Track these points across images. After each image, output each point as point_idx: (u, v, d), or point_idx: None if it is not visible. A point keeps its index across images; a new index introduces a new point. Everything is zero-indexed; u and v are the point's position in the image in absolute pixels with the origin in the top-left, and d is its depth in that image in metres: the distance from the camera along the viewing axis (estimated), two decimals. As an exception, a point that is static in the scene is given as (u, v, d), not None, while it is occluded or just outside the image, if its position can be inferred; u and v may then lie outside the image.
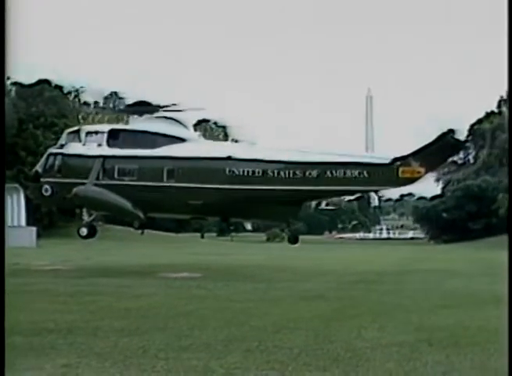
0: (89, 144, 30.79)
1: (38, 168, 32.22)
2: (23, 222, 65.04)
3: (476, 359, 10.87)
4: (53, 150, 32.41)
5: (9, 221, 63.51)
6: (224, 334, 12.97)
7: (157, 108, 31.52)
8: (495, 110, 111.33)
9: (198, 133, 32.13)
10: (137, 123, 31.21)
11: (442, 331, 13.52)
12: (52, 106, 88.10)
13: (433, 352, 11.46)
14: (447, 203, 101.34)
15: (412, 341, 12.35)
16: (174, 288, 22.45)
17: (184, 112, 31.43)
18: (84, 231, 31.01)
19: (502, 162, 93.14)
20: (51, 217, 76.26)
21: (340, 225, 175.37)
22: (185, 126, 31.13)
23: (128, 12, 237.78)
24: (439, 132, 26.27)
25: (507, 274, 20.22)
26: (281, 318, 15.32)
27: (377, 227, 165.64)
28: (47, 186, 31.34)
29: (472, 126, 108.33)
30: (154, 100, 32.15)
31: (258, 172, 27.81)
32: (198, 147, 30.10)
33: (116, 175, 29.98)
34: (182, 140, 30.26)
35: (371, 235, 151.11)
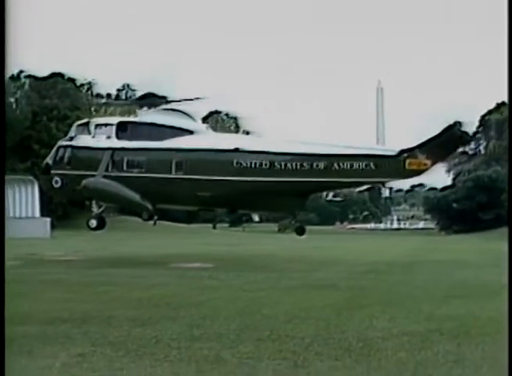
0: (98, 136, 30.99)
1: (49, 160, 32.44)
2: (38, 213, 65.49)
3: (487, 348, 10.90)
4: (63, 142, 32.64)
5: (23, 212, 64.09)
6: (236, 323, 13.05)
7: (165, 100, 31.67)
8: (506, 101, 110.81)
9: (206, 125, 32.28)
10: (145, 115, 31.40)
11: (453, 321, 13.55)
12: (65, 98, 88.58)
13: (444, 341, 11.50)
14: (458, 193, 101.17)
15: (423, 331, 12.39)
16: (186, 278, 22.57)
17: (194, 104, 31.56)
18: (93, 223, 31.23)
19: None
20: (65, 208, 76.67)
21: (351, 216, 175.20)
22: (192, 118, 31.29)
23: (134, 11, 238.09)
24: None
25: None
26: (292, 307, 15.41)
27: (388, 218, 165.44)
28: (57, 178, 31.57)
29: (483, 117, 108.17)
30: (163, 93, 32.27)
31: (266, 164, 27.91)
32: (206, 139, 30.25)
33: (125, 167, 30.17)
34: (190, 132, 30.42)
35: (382, 225, 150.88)
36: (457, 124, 26.14)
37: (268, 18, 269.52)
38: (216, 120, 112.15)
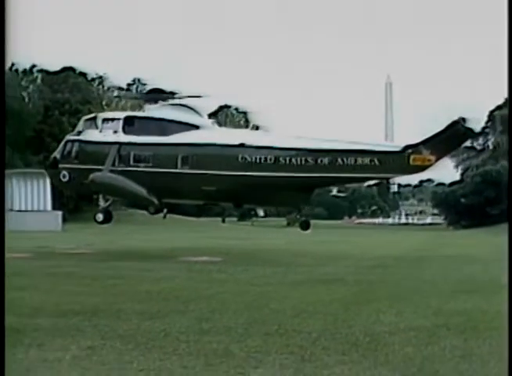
0: (105, 131, 31.24)
1: (57, 154, 32.73)
2: (49, 206, 65.82)
3: (494, 343, 10.94)
4: (71, 136, 32.86)
5: (35, 205, 64.39)
6: (244, 317, 13.14)
7: (172, 95, 31.82)
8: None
9: (212, 120, 32.38)
10: (152, 110, 31.54)
11: (460, 316, 13.60)
12: (76, 92, 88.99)
13: (451, 336, 11.56)
14: (466, 188, 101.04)
15: (430, 326, 12.45)
16: (194, 272, 22.67)
17: (204, 99, 31.69)
18: (100, 217, 31.52)
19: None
20: (76, 202, 76.96)
21: (359, 211, 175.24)
22: (199, 113, 31.40)
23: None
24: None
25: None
26: (300, 301, 15.50)
27: (396, 212, 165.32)
28: (65, 172, 31.82)
29: (491, 112, 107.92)
30: (171, 88, 32.44)
31: (270, 159, 28.05)
32: (211, 134, 30.40)
33: (131, 162, 30.38)
34: (196, 127, 30.56)
35: (390, 220, 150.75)
36: (461, 120, 26.21)
37: (277, 14, 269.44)
38: (226, 114, 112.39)
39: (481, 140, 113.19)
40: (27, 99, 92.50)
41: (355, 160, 27.09)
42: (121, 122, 31.14)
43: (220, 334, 11.47)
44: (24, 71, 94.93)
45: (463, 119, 26.22)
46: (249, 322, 12.61)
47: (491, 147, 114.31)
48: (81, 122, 33.06)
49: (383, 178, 29.95)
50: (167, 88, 32.26)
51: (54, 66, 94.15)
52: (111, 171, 30.33)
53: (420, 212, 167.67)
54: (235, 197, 30.48)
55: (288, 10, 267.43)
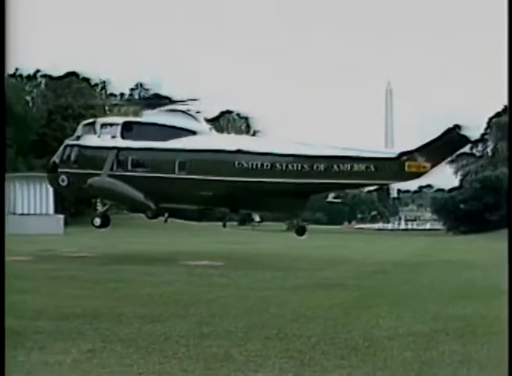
0: (104, 136, 31.40)
1: (56, 158, 32.92)
2: (52, 210, 65.91)
3: (492, 348, 10.98)
4: (70, 141, 33.04)
5: (37, 209, 64.48)
6: (244, 321, 13.19)
7: (170, 101, 32.03)
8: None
9: (209, 126, 32.57)
10: (150, 116, 31.72)
11: (459, 321, 13.64)
12: (79, 97, 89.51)
13: (449, 341, 11.61)
14: (465, 194, 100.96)
15: (429, 331, 12.50)
16: (195, 276, 22.74)
17: (205, 104, 31.87)
18: (97, 221, 31.73)
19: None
20: (78, 206, 77.01)
21: (359, 216, 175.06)
22: (196, 119, 31.55)
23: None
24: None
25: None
26: (300, 306, 15.54)
27: (396, 218, 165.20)
28: (63, 177, 32.03)
29: (490, 119, 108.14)
30: (171, 89, 32.70)
31: (267, 165, 28.17)
32: (209, 140, 30.56)
33: (129, 167, 30.53)
34: (193, 133, 30.71)
35: (390, 226, 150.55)
36: (456, 127, 26.34)
37: (275, 17, 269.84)
38: (228, 119, 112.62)
39: (480, 147, 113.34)
40: (30, 104, 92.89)
41: (351, 167, 27.21)
42: (120, 127, 31.35)
43: (220, 338, 11.53)
44: (28, 76, 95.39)
45: (458, 126, 26.35)
46: (249, 326, 12.66)
47: (489, 154, 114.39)
48: (80, 127, 33.25)
49: (378, 185, 30.12)
50: (167, 89, 32.52)
51: (55, 67, 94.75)
52: (109, 175, 30.49)
53: (420, 218, 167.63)
54: (231, 202, 30.65)
55: (288, 10, 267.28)
